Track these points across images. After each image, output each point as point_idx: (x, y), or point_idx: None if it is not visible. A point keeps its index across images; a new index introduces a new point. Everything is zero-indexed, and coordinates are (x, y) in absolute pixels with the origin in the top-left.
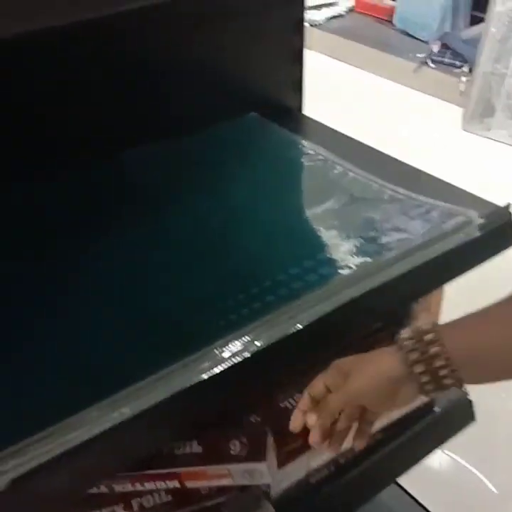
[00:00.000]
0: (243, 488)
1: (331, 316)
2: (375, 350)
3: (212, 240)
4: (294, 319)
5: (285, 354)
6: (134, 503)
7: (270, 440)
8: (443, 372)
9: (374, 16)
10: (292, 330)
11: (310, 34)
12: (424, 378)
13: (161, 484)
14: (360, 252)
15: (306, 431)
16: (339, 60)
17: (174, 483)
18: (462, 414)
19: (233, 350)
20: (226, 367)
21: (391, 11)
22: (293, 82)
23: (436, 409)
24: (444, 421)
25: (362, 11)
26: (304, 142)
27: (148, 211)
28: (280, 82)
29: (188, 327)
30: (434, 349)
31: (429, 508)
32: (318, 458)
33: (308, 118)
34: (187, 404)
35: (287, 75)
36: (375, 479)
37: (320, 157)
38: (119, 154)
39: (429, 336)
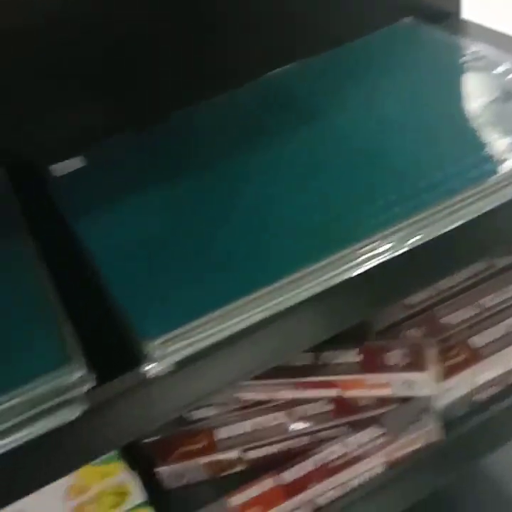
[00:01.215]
0: (404, 401)
1: (494, 214)
2: None
3: (367, 141)
4: (454, 215)
5: (444, 252)
6: (296, 411)
7: (432, 352)
8: None
9: None
10: (452, 226)
11: None
12: None
13: (321, 392)
14: None
15: (469, 347)
16: None
17: (334, 392)
18: None
19: (386, 247)
20: (379, 263)
21: None
22: None
23: None
24: None
25: None
26: (463, 43)
27: (307, 118)
28: None
29: (336, 226)
30: None
31: None
32: (484, 375)
33: (468, 21)
34: (337, 301)
35: None
36: None
37: (480, 55)
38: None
39: None
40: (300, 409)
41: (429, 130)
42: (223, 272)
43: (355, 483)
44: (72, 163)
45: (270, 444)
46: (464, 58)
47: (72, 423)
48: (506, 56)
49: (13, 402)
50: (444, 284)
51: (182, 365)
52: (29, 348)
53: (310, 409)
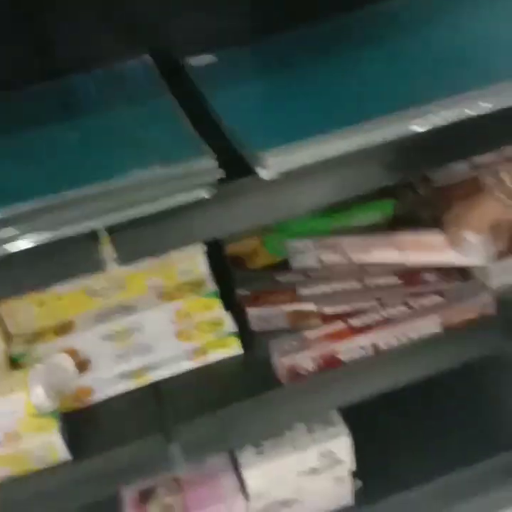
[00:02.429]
0: (464, 279)
1: None
2: None
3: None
4: None
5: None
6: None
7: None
8: None
9: None
10: None
11: None
12: None
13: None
14: None
15: None
16: None
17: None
18: None
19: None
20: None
21: None
22: None
23: None
24: None
25: None
26: None
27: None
28: None
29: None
30: None
31: None
32: None
33: None
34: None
35: None
36: None
37: None
38: None
39: None
40: (372, 281)
41: None
42: (323, 111)
43: (414, 335)
44: (207, 58)
45: (344, 302)
46: None
47: (201, 204)
48: None
49: (164, 174)
50: None
51: (289, 175)
52: (176, 146)
53: (381, 280)
